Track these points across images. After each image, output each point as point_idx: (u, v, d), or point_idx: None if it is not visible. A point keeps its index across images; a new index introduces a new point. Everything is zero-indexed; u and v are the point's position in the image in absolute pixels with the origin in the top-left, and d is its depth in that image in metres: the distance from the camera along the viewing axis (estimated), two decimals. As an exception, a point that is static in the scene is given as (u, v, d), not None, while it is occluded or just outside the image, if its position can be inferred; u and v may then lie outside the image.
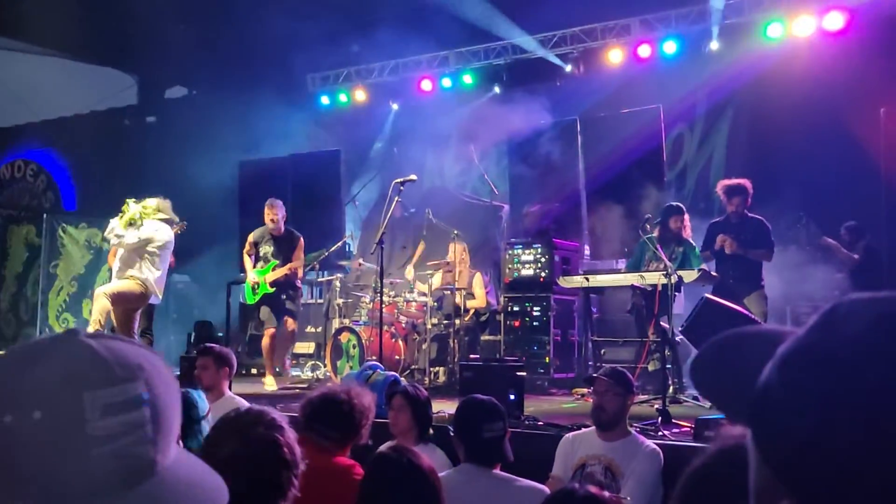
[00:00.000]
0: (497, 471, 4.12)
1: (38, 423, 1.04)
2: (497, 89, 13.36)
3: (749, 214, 8.87)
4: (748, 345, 1.08)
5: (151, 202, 9.26)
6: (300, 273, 10.51)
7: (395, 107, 14.30)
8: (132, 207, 9.11)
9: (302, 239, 10.45)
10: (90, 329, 8.78)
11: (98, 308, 9.19)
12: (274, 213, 10.17)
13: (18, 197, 19.34)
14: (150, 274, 9.17)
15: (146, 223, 9.16)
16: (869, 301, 0.86)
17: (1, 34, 16.03)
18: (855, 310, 0.85)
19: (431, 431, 5.44)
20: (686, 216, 9.23)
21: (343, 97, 14.79)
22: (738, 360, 1.07)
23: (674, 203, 9.55)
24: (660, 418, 6.39)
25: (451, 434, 4.34)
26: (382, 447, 4.61)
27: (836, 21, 10.78)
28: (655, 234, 8.86)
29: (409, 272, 11.13)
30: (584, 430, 5.23)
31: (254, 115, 14.32)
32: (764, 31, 11.21)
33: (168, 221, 9.35)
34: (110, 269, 9.66)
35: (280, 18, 12.71)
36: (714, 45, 11.59)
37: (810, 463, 0.80)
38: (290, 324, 10.40)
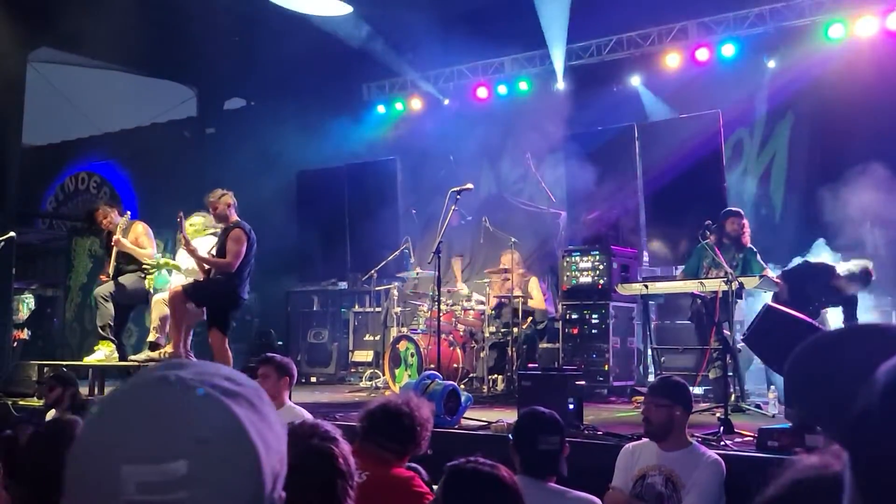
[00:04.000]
0: (551, 484, 4.09)
1: (73, 487, 1.01)
2: (553, 95, 13.30)
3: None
4: (850, 349, 1.01)
5: (196, 220, 9.38)
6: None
7: (450, 114, 14.29)
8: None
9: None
10: (150, 337, 8.96)
11: (157, 315, 9.32)
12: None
13: (82, 209, 19.72)
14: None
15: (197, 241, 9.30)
16: None
17: (63, 49, 16.36)
18: None
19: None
20: (745, 220, 9.11)
21: (399, 105, 14.85)
22: (838, 367, 0.99)
23: (732, 208, 9.42)
24: (721, 427, 6.29)
25: (510, 444, 4.32)
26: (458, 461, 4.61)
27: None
28: (712, 239, 8.73)
29: (464, 289, 11.15)
30: (644, 440, 5.17)
31: (310, 125, 14.43)
32: (825, 32, 11.02)
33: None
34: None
35: (334, 28, 12.81)
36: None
37: None
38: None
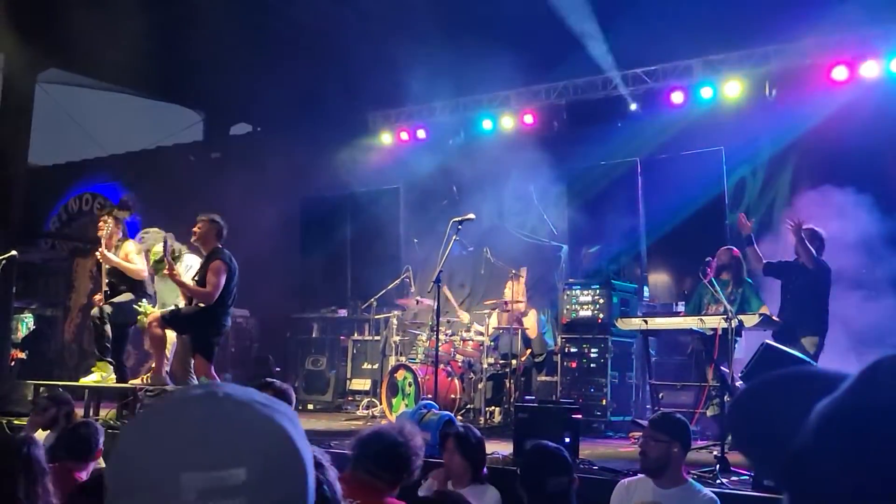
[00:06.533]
0: None
1: (122, 496, 1.04)
2: (557, 129, 13.35)
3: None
4: (788, 393, 1.03)
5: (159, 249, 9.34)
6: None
7: (455, 145, 14.33)
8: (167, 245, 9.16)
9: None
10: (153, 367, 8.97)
11: (168, 341, 9.32)
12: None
13: (85, 229, 19.76)
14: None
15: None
16: None
17: (71, 71, 16.47)
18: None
19: (485, 472, 5.41)
20: (736, 252, 9.14)
21: (403, 135, 14.89)
22: (776, 410, 1.02)
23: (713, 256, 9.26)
24: (718, 465, 6.27)
25: (517, 480, 4.32)
26: (425, 488, 4.62)
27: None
28: (711, 273, 8.72)
29: (465, 317, 11.14)
30: (639, 475, 5.15)
31: (315, 152, 14.48)
32: (829, 74, 11.05)
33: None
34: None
35: (342, 57, 12.88)
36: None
37: None
38: None
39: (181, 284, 8.79)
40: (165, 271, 8.81)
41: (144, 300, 9.53)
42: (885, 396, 0.81)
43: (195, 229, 8.95)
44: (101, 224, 9.50)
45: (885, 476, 0.77)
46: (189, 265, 9.34)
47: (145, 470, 1.03)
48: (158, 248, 9.33)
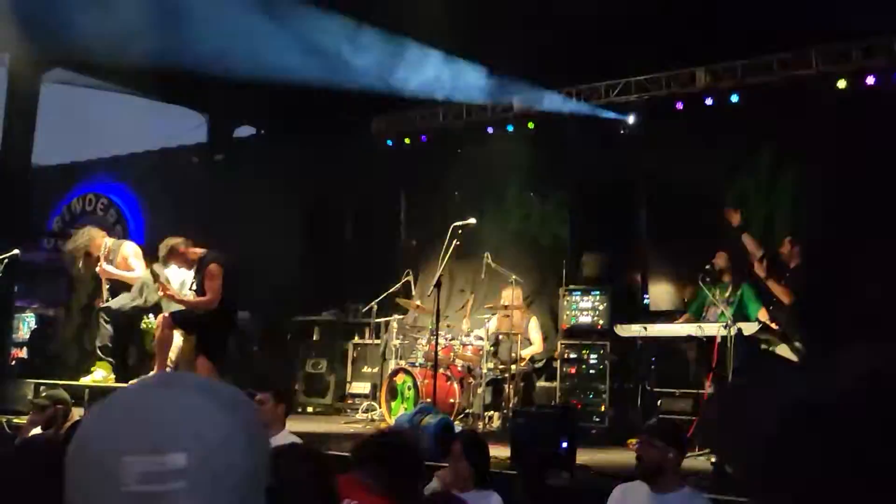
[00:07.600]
0: None
1: (75, 479, 1.09)
2: (560, 135, 13.35)
3: None
4: (756, 389, 1.05)
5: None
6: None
7: (457, 150, 14.35)
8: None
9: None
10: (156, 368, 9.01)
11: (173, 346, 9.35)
12: None
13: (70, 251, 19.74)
14: None
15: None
16: (870, 354, 0.86)
17: (75, 71, 16.49)
18: (853, 362, 0.85)
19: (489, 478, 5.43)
20: (730, 259, 9.22)
21: (407, 140, 14.90)
22: (744, 405, 1.04)
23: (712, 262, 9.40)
24: (715, 472, 6.29)
25: (517, 480, 4.34)
26: (428, 490, 4.63)
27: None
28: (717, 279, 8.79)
29: (466, 324, 11.16)
30: (635, 481, 5.17)
31: (318, 155, 14.50)
32: (833, 84, 11.05)
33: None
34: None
35: (346, 60, 12.89)
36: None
37: None
38: None
39: (181, 302, 8.83)
40: (161, 293, 8.85)
41: (150, 315, 9.57)
42: (848, 390, 0.83)
43: (179, 263, 9.05)
44: (92, 248, 9.51)
45: (847, 466, 0.79)
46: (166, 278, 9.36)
47: (94, 451, 1.09)
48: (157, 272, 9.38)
